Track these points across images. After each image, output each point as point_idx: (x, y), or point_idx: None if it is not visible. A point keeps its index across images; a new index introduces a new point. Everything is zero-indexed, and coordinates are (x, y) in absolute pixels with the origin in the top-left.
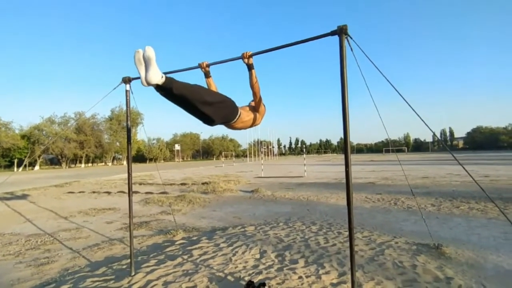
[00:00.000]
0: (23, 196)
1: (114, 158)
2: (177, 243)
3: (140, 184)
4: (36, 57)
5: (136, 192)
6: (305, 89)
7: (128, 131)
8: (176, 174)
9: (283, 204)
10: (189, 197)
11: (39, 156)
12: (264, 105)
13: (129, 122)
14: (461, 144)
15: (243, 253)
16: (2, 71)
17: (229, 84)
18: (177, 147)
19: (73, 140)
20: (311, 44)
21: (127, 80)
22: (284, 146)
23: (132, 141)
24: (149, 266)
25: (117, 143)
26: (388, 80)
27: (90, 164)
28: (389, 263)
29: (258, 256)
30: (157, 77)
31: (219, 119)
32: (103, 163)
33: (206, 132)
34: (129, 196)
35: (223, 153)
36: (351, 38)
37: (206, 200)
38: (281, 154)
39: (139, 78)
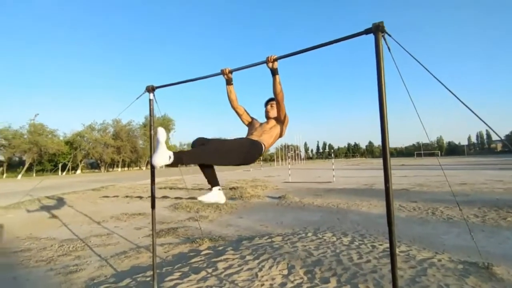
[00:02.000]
0: (63, 200)
1: (148, 163)
2: (202, 253)
3: (171, 188)
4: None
5: (166, 197)
6: (331, 92)
7: (152, 139)
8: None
9: (312, 212)
10: (217, 203)
11: (80, 161)
12: (287, 113)
13: (152, 131)
14: (499, 147)
15: (270, 268)
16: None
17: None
18: None
19: (111, 146)
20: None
21: (150, 89)
22: (311, 150)
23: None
24: (172, 279)
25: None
26: (443, 85)
27: (126, 168)
28: (433, 286)
29: (285, 272)
30: (164, 160)
31: (247, 161)
32: (138, 168)
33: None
34: (152, 208)
35: None
36: (390, 35)
37: (233, 206)
38: (308, 158)
39: (163, 86)
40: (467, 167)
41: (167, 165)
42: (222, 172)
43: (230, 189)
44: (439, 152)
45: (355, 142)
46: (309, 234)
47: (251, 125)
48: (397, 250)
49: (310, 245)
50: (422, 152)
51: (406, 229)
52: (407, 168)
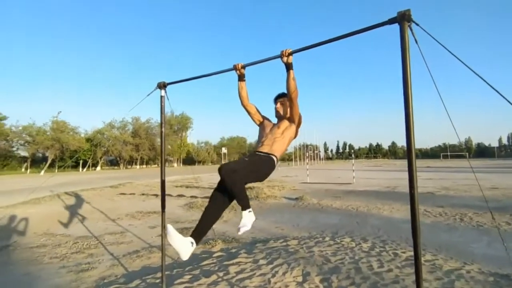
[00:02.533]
0: (81, 197)
1: (166, 160)
2: (215, 255)
3: (187, 187)
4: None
5: (182, 196)
6: (352, 89)
7: (162, 136)
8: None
9: (330, 215)
10: (232, 203)
11: (100, 158)
12: (300, 112)
13: (163, 128)
14: None
15: (283, 274)
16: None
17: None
18: (223, 150)
19: (130, 143)
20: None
21: (162, 86)
22: (331, 150)
23: (182, 144)
24: (182, 282)
25: (169, 146)
26: (485, 80)
27: (144, 166)
28: None
29: (300, 279)
30: (189, 251)
31: (262, 180)
32: (156, 165)
33: (252, 136)
34: (162, 210)
35: None
36: (418, 25)
37: None
38: (328, 158)
39: (174, 83)
40: (497, 170)
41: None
42: None
43: (246, 188)
44: (467, 154)
45: (377, 142)
46: (327, 239)
47: (262, 126)
48: (422, 260)
49: (327, 250)
50: (448, 153)
51: (432, 236)
52: (432, 170)
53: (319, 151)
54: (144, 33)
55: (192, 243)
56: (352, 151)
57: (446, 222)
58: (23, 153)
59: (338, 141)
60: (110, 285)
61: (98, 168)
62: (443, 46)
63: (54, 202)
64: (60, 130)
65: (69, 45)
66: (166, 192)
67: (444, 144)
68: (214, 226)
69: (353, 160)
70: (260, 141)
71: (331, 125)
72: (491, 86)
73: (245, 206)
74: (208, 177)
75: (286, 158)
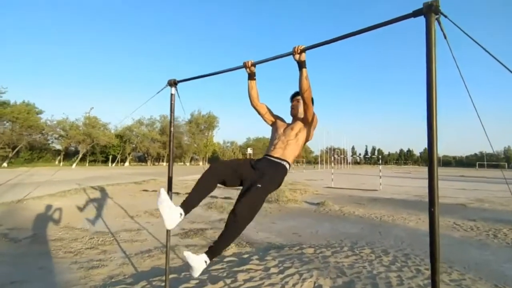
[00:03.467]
0: (105, 191)
1: (192, 159)
2: (226, 259)
3: None
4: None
5: None
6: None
7: (171, 135)
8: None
9: (351, 223)
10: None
11: (129, 154)
12: (315, 113)
13: (172, 128)
14: None
15: (294, 285)
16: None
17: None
18: (249, 150)
19: (157, 141)
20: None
21: (172, 83)
22: (359, 155)
23: (208, 143)
24: None
25: (195, 145)
26: None
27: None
28: None
29: None
30: (176, 221)
31: (279, 184)
32: (182, 163)
33: None
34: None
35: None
36: (446, 17)
37: (267, 210)
38: (355, 162)
39: (185, 80)
40: None
41: None
42: None
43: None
44: (506, 163)
45: (408, 148)
46: (345, 249)
47: (275, 126)
48: (447, 279)
49: (344, 261)
50: (485, 163)
51: (460, 253)
52: (466, 180)
53: (347, 155)
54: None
55: (181, 214)
56: (381, 156)
57: (477, 238)
58: (57, 146)
59: (366, 146)
60: (116, 285)
61: (127, 163)
62: (477, 43)
63: (79, 195)
64: (91, 125)
65: (106, 42)
66: (186, 191)
67: (480, 152)
68: None
69: (380, 166)
70: (272, 143)
71: (360, 128)
72: None
73: (216, 251)
74: None
75: (312, 161)
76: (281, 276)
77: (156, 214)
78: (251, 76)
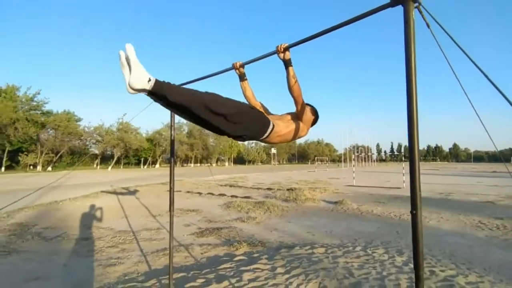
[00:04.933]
0: (133, 192)
1: (218, 160)
2: (235, 259)
3: (231, 186)
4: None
5: (223, 195)
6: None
7: (172, 143)
8: (267, 178)
9: (368, 222)
10: (268, 204)
11: (159, 156)
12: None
13: (173, 131)
14: None
15: (298, 286)
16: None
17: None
18: (273, 150)
19: (185, 143)
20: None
21: None
22: (385, 152)
23: (233, 144)
24: (193, 286)
25: (221, 146)
26: (487, 76)
27: (198, 164)
28: None
29: None
30: (142, 81)
31: (242, 134)
32: (209, 164)
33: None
34: (170, 216)
35: (316, 158)
36: (424, 8)
37: (284, 209)
38: (381, 160)
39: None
40: None
41: (149, 95)
42: (288, 172)
43: (288, 190)
44: None
45: (436, 144)
46: (358, 248)
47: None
48: (463, 281)
49: (353, 262)
50: None
51: (482, 253)
52: (499, 176)
53: (372, 153)
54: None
55: (150, 79)
56: (406, 154)
57: (503, 238)
58: (95, 151)
59: (392, 142)
60: (129, 282)
61: (157, 165)
62: (452, 39)
63: (110, 196)
64: (124, 130)
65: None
66: (209, 191)
67: None
68: (243, 227)
69: (403, 163)
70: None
71: (385, 125)
72: (496, 88)
73: (163, 87)
74: (255, 177)
75: (337, 159)
76: (286, 276)
77: (177, 214)
78: (242, 78)
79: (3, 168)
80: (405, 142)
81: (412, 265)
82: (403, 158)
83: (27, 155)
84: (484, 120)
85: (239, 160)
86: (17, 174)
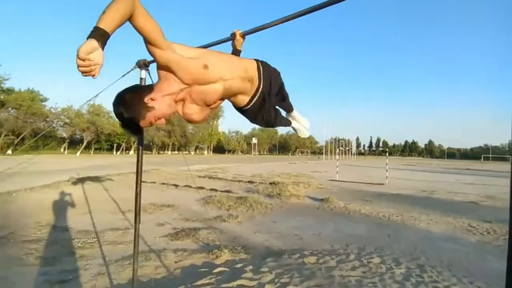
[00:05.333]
0: (103, 183)
1: (196, 148)
2: (215, 271)
3: (210, 178)
4: None
5: (201, 188)
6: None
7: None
8: (248, 169)
9: (357, 223)
10: (251, 200)
11: (133, 142)
12: None
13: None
14: None
15: None
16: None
17: None
18: (254, 140)
19: (162, 129)
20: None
21: (142, 64)
22: (364, 146)
23: (213, 132)
24: None
25: (200, 134)
26: None
27: (176, 152)
28: None
29: None
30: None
31: None
32: (187, 152)
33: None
34: (135, 223)
35: (298, 149)
36: None
37: (268, 206)
38: (360, 154)
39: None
40: None
41: None
42: (270, 163)
43: (271, 183)
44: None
45: (413, 140)
46: (351, 256)
47: None
48: None
49: (350, 275)
50: (490, 155)
51: (480, 262)
52: (473, 174)
53: (351, 147)
54: None
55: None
56: (386, 147)
57: (496, 244)
58: (62, 133)
59: (371, 137)
60: None
61: (131, 152)
62: None
63: (74, 187)
64: (95, 113)
65: None
66: (186, 183)
67: (485, 145)
68: (223, 227)
69: (386, 159)
70: None
71: (364, 119)
72: None
73: None
74: (235, 168)
75: (317, 151)
76: None
77: (150, 210)
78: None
79: None
80: (384, 137)
81: (414, 280)
82: (386, 154)
83: None
84: (459, 117)
85: (219, 149)
86: None
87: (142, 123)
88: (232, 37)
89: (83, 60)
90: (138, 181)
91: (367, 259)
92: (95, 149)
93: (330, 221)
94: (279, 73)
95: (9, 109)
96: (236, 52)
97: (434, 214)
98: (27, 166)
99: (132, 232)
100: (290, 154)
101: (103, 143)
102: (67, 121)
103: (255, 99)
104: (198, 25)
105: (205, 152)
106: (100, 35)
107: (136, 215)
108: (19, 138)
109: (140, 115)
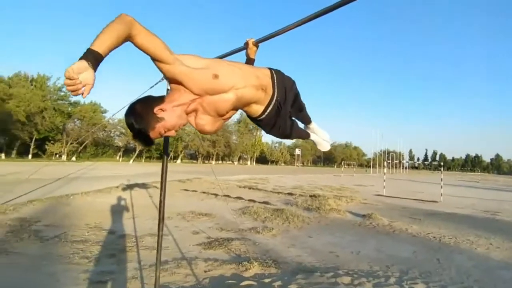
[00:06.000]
0: (148, 189)
1: (240, 158)
2: (242, 283)
3: (250, 188)
4: None
5: (240, 199)
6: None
7: (166, 140)
8: (289, 181)
9: (402, 243)
10: (288, 213)
11: (181, 151)
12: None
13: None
14: None
15: None
16: None
17: None
18: (297, 151)
19: (207, 139)
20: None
21: None
22: (418, 159)
23: (256, 142)
24: None
25: (244, 144)
26: None
27: (220, 162)
28: None
29: None
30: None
31: None
32: (231, 162)
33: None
34: (160, 221)
35: (343, 161)
36: None
37: (305, 220)
38: (413, 167)
39: None
40: None
41: None
42: (312, 175)
43: (311, 196)
44: None
45: (476, 154)
46: (391, 280)
47: None
48: None
49: None
50: None
51: None
52: None
53: (403, 160)
54: None
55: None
56: (444, 161)
57: None
58: (118, 143)
59: (426, 149)
60: None
61: (178, 161)
62: None
63: (123, 192)
64: None
65: None
66: (226, 193)
67: None
68: (257, 239)
69: (441, 173)
70: None
71: (418, 131)
72: None
73: None
74: (276, 179)
75: (365, 164)
76: None
77: (188, 218)
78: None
79: (30, 156)
80: (441, 150)
81: None
82: (441, 169)
83: (53, 144)
84: None
85: (262, 159)
86: (40, 163)
87: (151, 134)
88: (245, 46)
89: (70, 79)
90: (162, 189)
91: (410, 285)
92: (146, 157)
93: (372, 239)
94: (294, 82)
95: (75, 120)
96: (250, 61)
97: (496, 238)
98: (86, 172)
99: (168, 239)
100: (335, 166)
101: (153, 152)
102: (123, 131)
103: (269, 109)
104: (213, 36)
105: (248, 162)
106: (93, 57)
107: (159, 222)
108: (82, 146)
109: (149, 126)
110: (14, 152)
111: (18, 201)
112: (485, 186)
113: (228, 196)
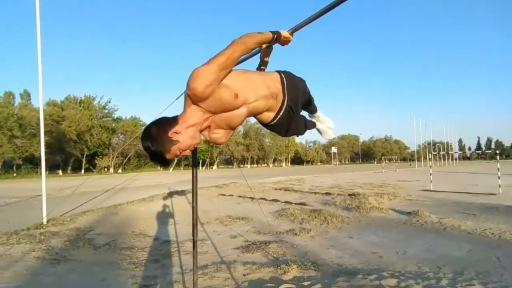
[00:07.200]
0: (187, 195)
1: (274, 160)
2: (281, 287)
3: (286, 190)
4: None
5: (276, 201)
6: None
7: (194, 154)
8: (326, 180)
9: (455, 241)
10: (326, 213)
11: (216, 157)
12: None
13: None
14: None
15: None
16: None
17: None
18: (333, 149)
19: (241, 144)
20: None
21: None
22: (469, 148)
23: (290, 144)
24: None
25: (277, 146)
26: None
27: (254, 165)
28: None
29: None
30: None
31: None
32: (266, 165)
33: (366, 133)
34: (193, 228)
35: (384, 156)
36: None
37: (344, 220)
38: (464, 158)
39: None
40: None
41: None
42: (351, 173)
43: (350, 195)
44: None
45: None
46: (444, 282)
47: None
48: None
49: None
50: None
51: None
52: None
53: (452, 150)
54: None
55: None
56: (501, 149)
57: None
58: None
59: (479, 138)
60: None
61: (215, 167)
62: None
63: (164, 200)
64: None
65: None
66: (262, 196)
67: None
68: (295, 241)
69: (497, 163)
70: None
71: (469, 117)
72: None
73: None
74: (312, 179)
75: (409, 158)
76: None
77: (226, 222)
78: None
79: (82, 171)
80: (496, 137)
81: None
82: (497, 157)
83: (101, 158)
84: None
85: (297, 160)
86: (92, 176)
87: (167, 156)
88: (259, 48)
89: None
90: (194, 196)
91: (465, 286)
92: (185, 165)
93: (419, 238)
94: (304, 82)
95: (119, 134)
96: (263, 63)
97: None
98: (131, 182)
99: (207, 244)
100: (375, 162)
101: (191, 160)
102: None
103: (280, 114)
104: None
105: (283, 164)
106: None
107: (193, 227)
108: (126, 158)
109: (165, 149)
110: (69, 168)
111: (75, 212)
112: None
113: (264, 199)
